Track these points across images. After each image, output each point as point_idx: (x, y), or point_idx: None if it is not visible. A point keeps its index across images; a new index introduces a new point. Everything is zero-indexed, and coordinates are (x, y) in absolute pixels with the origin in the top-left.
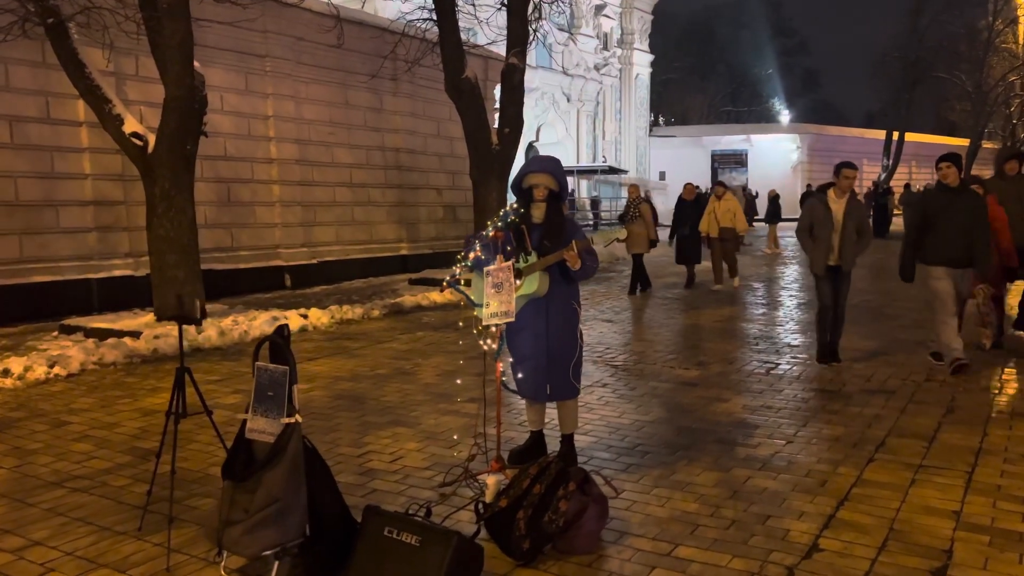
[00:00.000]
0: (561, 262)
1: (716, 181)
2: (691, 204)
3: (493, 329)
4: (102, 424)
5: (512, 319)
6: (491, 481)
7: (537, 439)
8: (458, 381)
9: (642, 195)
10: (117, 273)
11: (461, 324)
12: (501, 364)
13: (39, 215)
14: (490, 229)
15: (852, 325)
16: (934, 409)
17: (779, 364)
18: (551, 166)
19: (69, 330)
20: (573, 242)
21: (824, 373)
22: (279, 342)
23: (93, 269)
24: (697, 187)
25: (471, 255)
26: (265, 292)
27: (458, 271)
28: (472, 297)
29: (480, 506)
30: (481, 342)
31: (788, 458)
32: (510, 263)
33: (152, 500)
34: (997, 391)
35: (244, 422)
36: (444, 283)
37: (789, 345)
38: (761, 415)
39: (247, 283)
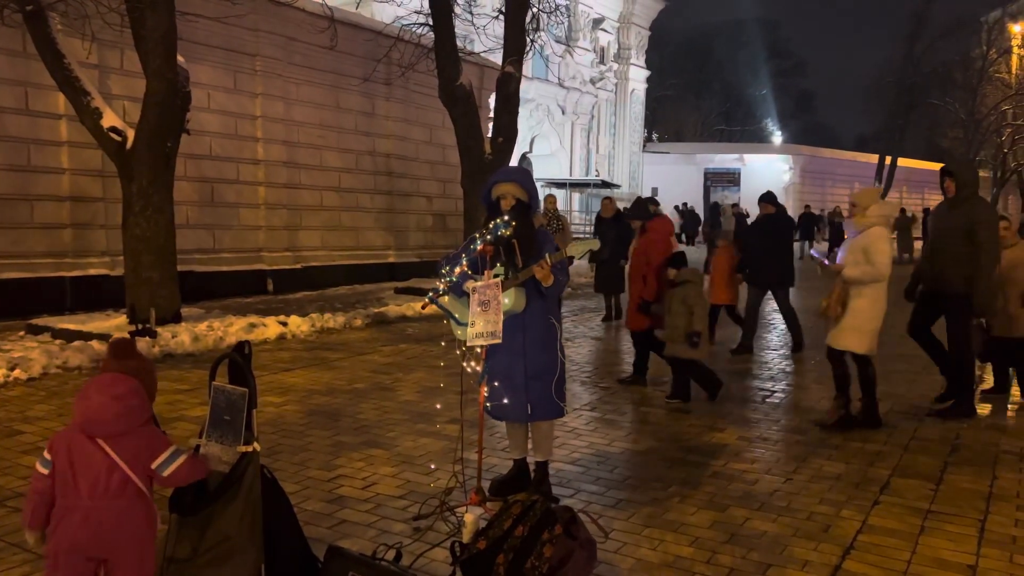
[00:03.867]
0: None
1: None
2: (610, 223)
3: (478, 350)
4: None
5: (499, 340)
6: (469, 518)
7: (521, 467)
8: (438, 406)
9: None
10: (92, 272)
11: (443, 344)
12: (485, 387)
13: (13, 209)
14: (478, 243)
15: None
16: (938, 447)
17: (774, 391)
18: (518, 175)
19: (36, 330)
20: (546, 256)
21: (820, 403)
22: (239, 361)
23: (67, 267)
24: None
25: (457, 270)
26: (246, 296)
27: (441, 286)
28: (456, 315)
29: (456, 547)
30: (465, 364)
31: (788, 498)
32: (498, 280)
33: None
34: (1003, 429)
35: (197, 448)
36: (426, 299)
37: (783, 371)
38: (758, 448)
39: (228, 286)
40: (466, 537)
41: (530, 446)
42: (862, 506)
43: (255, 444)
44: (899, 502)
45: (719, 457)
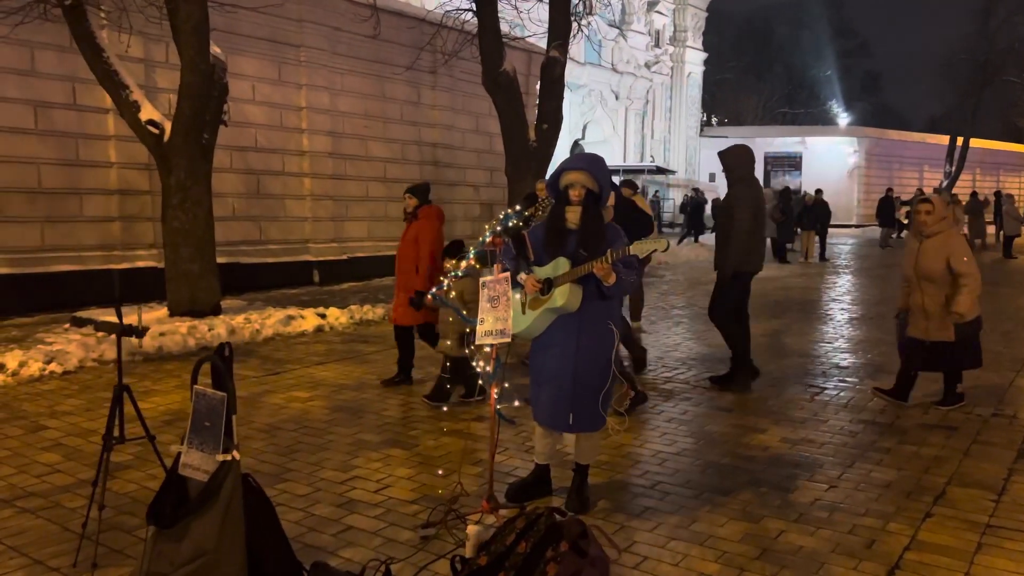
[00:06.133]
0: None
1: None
2: None
3: (487, 349)
4: (79, 431)
5: (508, 339)
6: (471, 531)
7: (542, 474)
8: (444, 408)
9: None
10: (140, 264)
11: (449, 343)
12: (496, 389)
13: (63, 203)
14: (488, 234)
15: None
16: (1003, 452)
17: (825, 388)
18: (590, 163)
19: (80, 323)
20: (608, 252)
21: (875, 402)
22: (218, 364)
23: (116, 259)
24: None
25: (463, 264)
26: (292, 288)
27: (446, 282)
28: (464, 311)
29: (457, 562)
30: (475, 363)
31: (830, 507)
32: (507, 274)
33: (102, 528)
34: None
35: (179, 455)
36: (429, 295)
37: (837, 366)
38: (802, 450)
39: (274, 278)
40: (468, 551)
41: (560, 447)
42: (912, 519)
43: (235, 452)
44: (955, 514)
45: (758, 461)
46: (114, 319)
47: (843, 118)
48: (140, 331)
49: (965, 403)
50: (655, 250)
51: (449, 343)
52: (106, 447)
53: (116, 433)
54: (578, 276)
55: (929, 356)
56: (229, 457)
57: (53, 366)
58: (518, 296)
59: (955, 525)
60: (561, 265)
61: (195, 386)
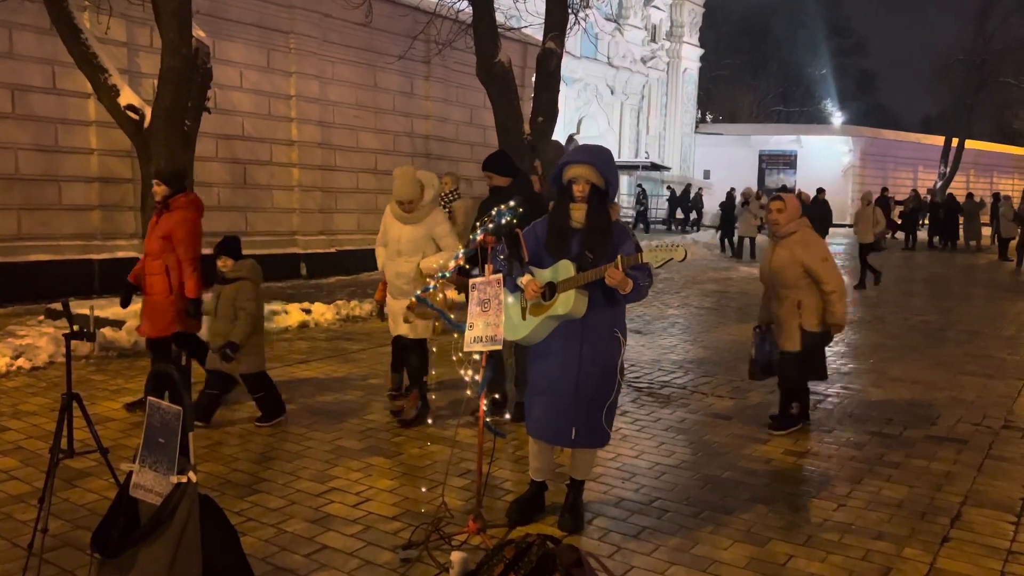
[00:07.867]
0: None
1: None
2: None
3: (476, 356)
4: (42, 433)
5: (499, 346)
6: (456, 558)
7: (536, 492)
8: (430, 420)
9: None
10: (121, 255)
11: (434, 349)
12: (485, 399)
13: (40, 190)
14: (479, 232)
15: (909, 352)
16: (1018, 469)
17: (827, 396)
18: (596, 157)
19: (55, 315)
20: (619, 258)
21: (880, 412)
22: (173, 376)
23: (96, 249)
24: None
25: (451, 264)
26: (279, 281)
27: (432, 283)
28: (451, 316)
29: None
30: (462, 371)
31: (840, 529)
32: (499, 275)
33: (55, 545)
34: None
35: (129, 475)
36: (412, 298)
37: (839, 372)
38: (806, 464)
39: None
40: None
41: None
42: (928, 543)
43: (191, 474)
44: (973, 539)
45: (761, 475)
46: (86, 312)
47: (837, 117)
48: (90, 334)
49: (800, 427)
50: (671, 259)
51: (222, 360)
52: (53, 462)
53: (64, 446)
54: (585, 282)
55: (782, 368)
56: (185, 479)
57: (21, 361)
58: (511, 300)
59: (974, 551)
60: (564, 268)
61: (149, 398)
